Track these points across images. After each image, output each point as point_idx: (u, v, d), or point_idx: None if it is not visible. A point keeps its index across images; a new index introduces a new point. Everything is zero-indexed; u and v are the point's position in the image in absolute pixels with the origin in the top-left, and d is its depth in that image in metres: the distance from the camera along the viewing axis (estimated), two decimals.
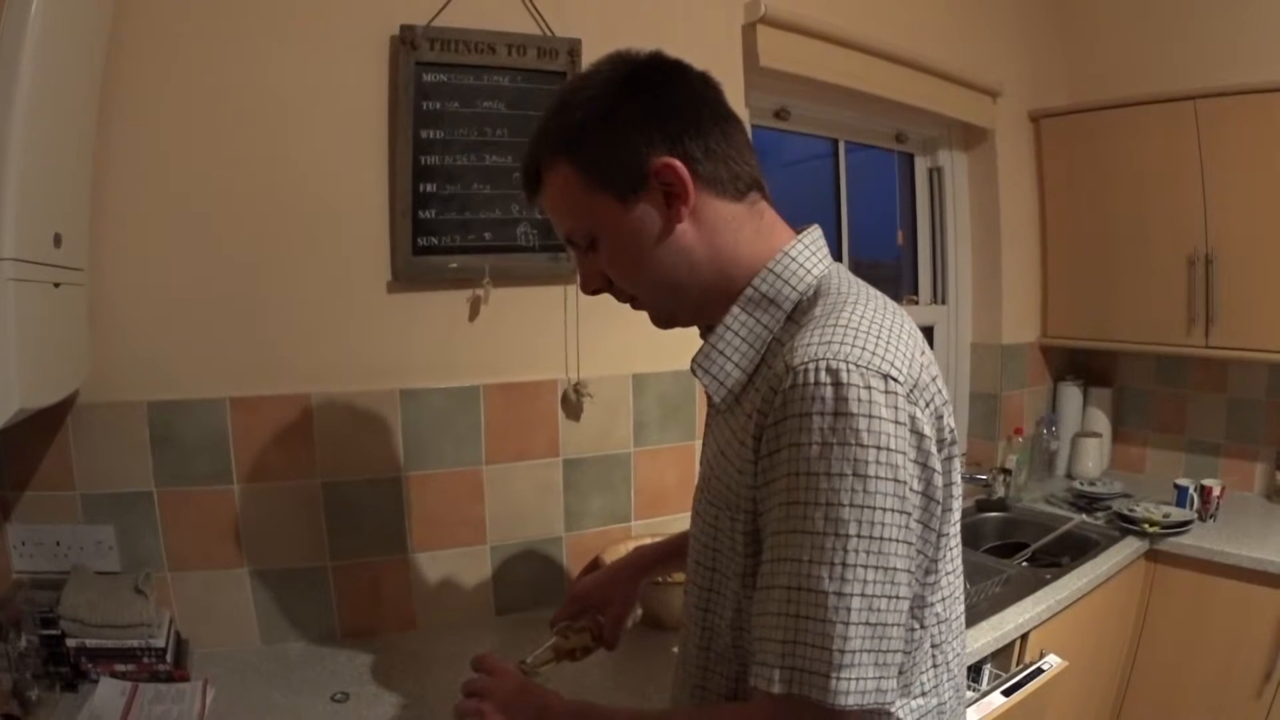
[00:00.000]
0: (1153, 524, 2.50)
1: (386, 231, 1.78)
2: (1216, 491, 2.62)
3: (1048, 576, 2.20)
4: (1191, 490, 2.64)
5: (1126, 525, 2.54)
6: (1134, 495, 2.80)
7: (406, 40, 1.74)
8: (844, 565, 0.75)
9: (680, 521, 1.31)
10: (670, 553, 1.40)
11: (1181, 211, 2.75)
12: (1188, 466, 3.09)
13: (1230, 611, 2.39)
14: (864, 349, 0.79)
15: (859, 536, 0.75)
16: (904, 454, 0.78)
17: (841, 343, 0.80)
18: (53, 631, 1.44)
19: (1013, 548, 2.62)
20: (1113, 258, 2.98)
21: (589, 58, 1.82)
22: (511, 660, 1.17)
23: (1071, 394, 3.31)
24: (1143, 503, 2.67)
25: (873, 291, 0.94)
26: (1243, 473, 2.97)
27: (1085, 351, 3.31)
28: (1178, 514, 2.58)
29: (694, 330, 1.02)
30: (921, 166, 3.16)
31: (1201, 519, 2.61)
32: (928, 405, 0.83)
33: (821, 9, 2.34)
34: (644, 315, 1.02)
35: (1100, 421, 3.27)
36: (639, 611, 1.41)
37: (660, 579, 1.87)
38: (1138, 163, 2.85)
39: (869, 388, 0.77)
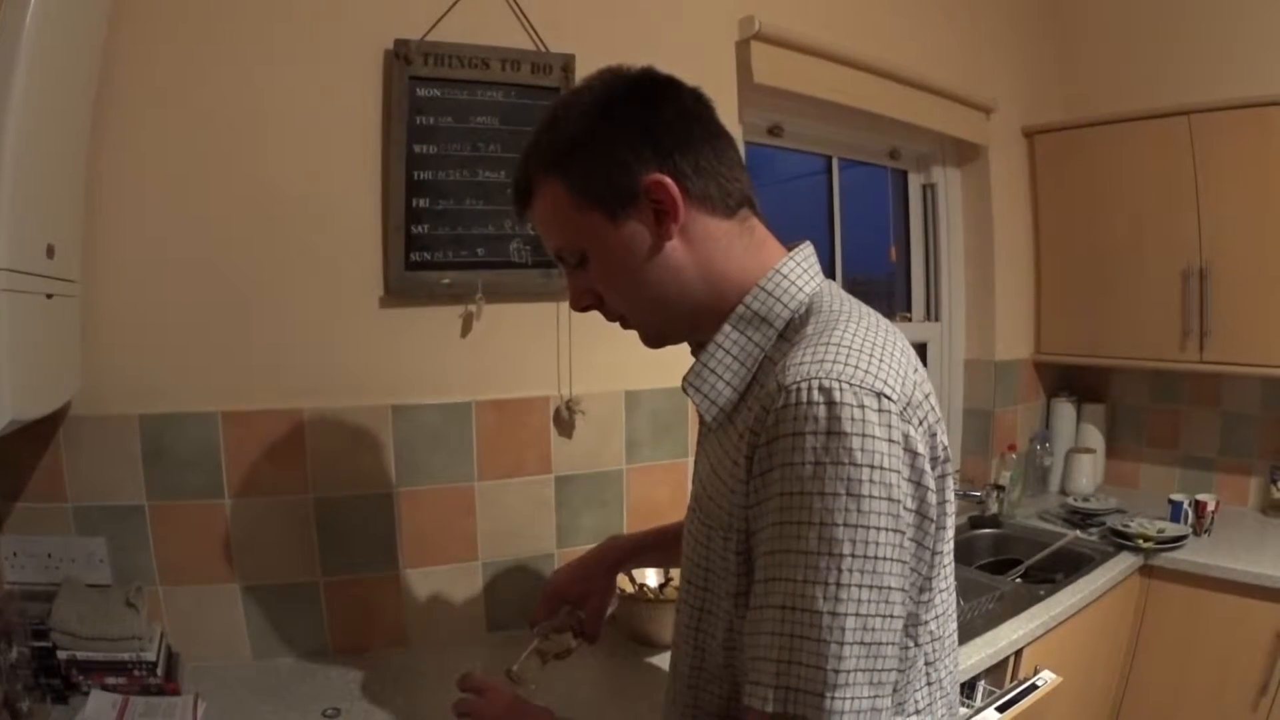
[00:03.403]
0: (1147, 539, 2.50)
1: (379, 246, 1.78)
2: (1211, 506, 2.63)
3: (1041, 593, 2.19)
4: (1186, 505, 2.64)
5: (1121, 541, 2.54)
6: (1128, 511, 2.81)
7: (400, 55, 1.74)
8: (838, 585, 0.75)
9: None
10: (645, 545, 1.41)
11: (1176, 226, 2.77)
12: (1182, 481, 3.10)
13: (1225, 625, 2.39)
14: (857, 367, 0.79)
15: (853, 556, 0.75)
16: (898, 472, 0.78)
17: (834, 361, 0.79)
18: (44, 643, 1.43)
19: (1006, 564, 2.62)
20: (1107, 273, 2.99)
21: (582, 73, 1.82)
22: (496, 672, 1.17)
23: (1065, 410, 3.31)
24: (1137, 518, 2.67)
25: (865, 309, 0.93)
26: (1237, 487, 2.98)
27: (1079, 368, 3.31)
28: (1172, 529, 2.58)
29: (685, 347, 1.02)
30: (915, 183, 3.16)
31: (1196, 534, 2.61)
32: (921, 423, 0.83)
33: (815, 26, 2.35)
34: (635, 333, 1.02)
35: (1094, 437, 3.28)
36: (616, 600, 1.40)
37: (650, 596, 1.87)
38: (1132, 178, 2.87)
39: (862, 406, 0.77)
